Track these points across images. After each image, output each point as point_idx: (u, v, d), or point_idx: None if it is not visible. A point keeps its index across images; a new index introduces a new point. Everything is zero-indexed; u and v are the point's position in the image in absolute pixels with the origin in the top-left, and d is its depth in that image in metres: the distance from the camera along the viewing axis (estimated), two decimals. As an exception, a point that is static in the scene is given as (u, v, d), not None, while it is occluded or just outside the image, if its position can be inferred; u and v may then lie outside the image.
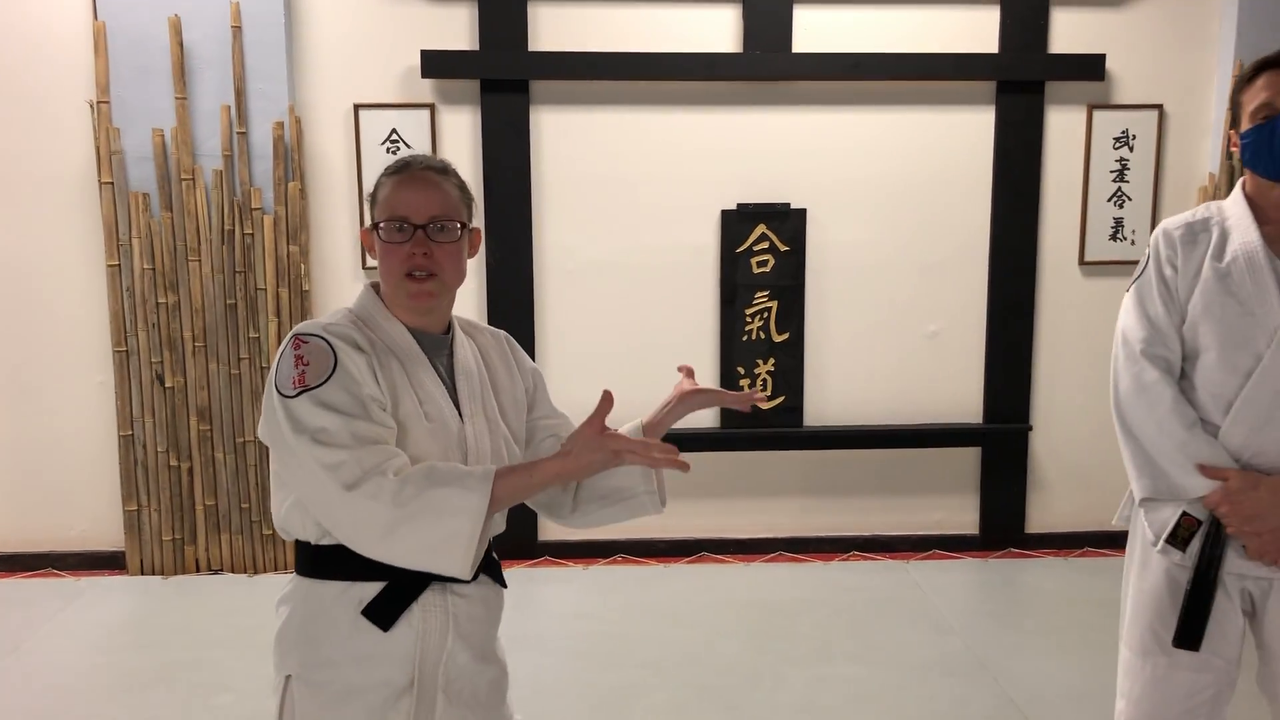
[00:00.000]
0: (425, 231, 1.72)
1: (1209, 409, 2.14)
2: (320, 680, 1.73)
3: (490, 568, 1.85)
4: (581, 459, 1.61)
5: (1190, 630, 2.11)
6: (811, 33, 4.56)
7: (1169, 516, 2.16)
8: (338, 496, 1.59)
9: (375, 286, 1.83)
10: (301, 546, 1.76)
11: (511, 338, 2.00)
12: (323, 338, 1.68)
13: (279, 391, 1.65)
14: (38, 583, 4.54)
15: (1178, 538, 2.14)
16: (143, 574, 4.58)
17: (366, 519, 1.59)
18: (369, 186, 4.46)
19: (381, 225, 1.73)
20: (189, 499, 4.54)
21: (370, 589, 1.70)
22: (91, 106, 4.34)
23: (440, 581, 1.73)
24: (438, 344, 1.82)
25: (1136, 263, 4.68)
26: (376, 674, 1.71)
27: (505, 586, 1.90)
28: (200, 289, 4.42)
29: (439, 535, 1.59)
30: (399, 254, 1.72)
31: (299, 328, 1.72)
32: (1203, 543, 2.11)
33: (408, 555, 1.61)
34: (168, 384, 4.46)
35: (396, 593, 1.70)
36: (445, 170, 1.79)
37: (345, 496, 1.58)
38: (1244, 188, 2.17)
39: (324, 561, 1.72)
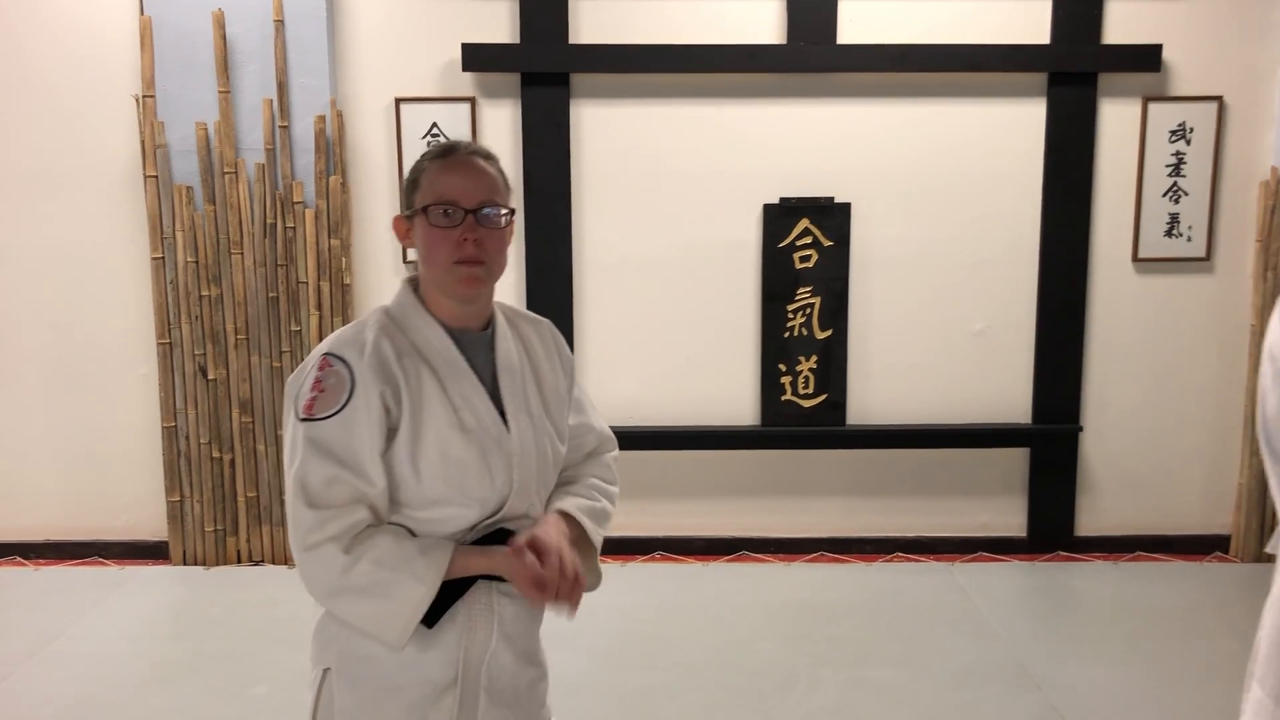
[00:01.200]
0: (475, 217, 1.69)
1: None
2: (360, 675, 1.71)
3: None
4: (501, 567, 1.69)
5: None
6: (857, 24, 4.48)
7: None
8: (296, 546, 1.64)
9: (413, 282, 1.79)
10: None
11: (555, 327, 1.94)
12: (348, 367, 1.65)
13: (295, 404, 1.67)
14: (83, 571, 4.61)
15: None
16: (185, 564, 4.63)
17: (315, 578, 1.64)
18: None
19: (430, 209, 1.68)
20: (231, 490, 4.58)
21: None
22: (137, 100, 4.38)
23: (487, 580, 1.72)
24: (477, 341, 1.77)
25: (1192, 260, 4.59)
26: (418, 671, 1.69)
27: None
28: (243, 282, 4.45)
29: (380, 614, 1.64)
30: (449, 239, 1.67)
31: (332, 345, 1.68)
32: None
33: (347, 617, 1.68)
34: (210, 376, 4.49)
35: (443, 591, 1.68)
36: (490, 156, 1.76)
37: (301, 554, 1.64)
38: None
39: None
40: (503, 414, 1.74)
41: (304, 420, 1.64)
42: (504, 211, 1.72)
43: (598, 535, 1.89)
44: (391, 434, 1.66)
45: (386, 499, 1.66)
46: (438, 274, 1.70)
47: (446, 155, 1.72)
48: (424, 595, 1.62)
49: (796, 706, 3.39)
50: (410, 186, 1.74)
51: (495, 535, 1.73)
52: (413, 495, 1.67)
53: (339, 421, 1.62)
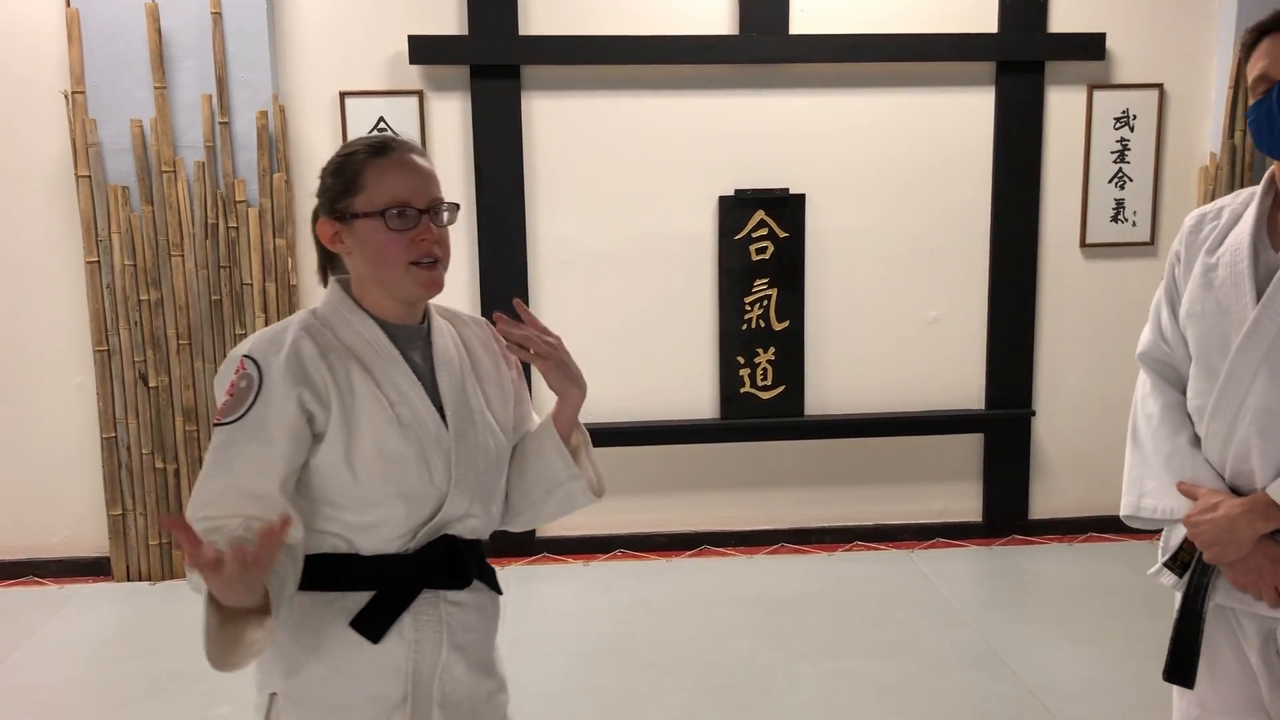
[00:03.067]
0: (428, 216, 1.63)
1: (1195, 421, 1.92)
2: (308, 698, 1.63)
3: (485, 573, 1.76)
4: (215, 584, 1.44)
5: (1179, 664, 1.91)
6: (808, 14, 4.47)
7: (1181, 537, 1.93)
8: None
9: (343, 283, 1.71)
10: None
11: (492, 326, 1.86)
12: (259, 370, 1.58)
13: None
14: (19, 591, 4.39)
15: (1178, 561, 1.92)
16: (129, 580, 4.44)
17: None
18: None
19: (386, 213, 1.60)
20: (176, 502, 4.40)
21: (359, 599, 1.61)
22: (66, 97, 4.17)
23: (433, 589, 1.65)
24: (413, 335, 1.71)
25: (1138, 245, 4.68)
26: (368, 689, 1.62)
27: (500, 593, 1.80)
28: (184, 285, 4.27)
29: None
30: (402, 241, 1.61)
31: (250, 346, 1.61)
32: (1192, 568, 1.89)
33: None
34: (151, 384, 4.31)
35: (386, 602, 1.62)
36: (424, 153, 1.70)
37: None
38: (1273, 173, 1.89)
39: (308, 571, 1.60)
40: (441, 410, 1.68)
41: (216, 425, 1.60)
42: (448, 208, 1.68)
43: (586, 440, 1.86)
44: (318, 438, 1.60)
45: (283, 505, 1.55)
46: (393, 277, 1.64)
47: (385, 153, 1.64)
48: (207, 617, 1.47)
49: (779, 702, 3.37)
50: (343, 187, 1.63)
51: (440, 543, 1.66)
52: (350, 497, 1.60)
53: (241, 427, 1.57)
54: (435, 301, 1.77)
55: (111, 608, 4.22)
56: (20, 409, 4.43)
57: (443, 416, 1.67)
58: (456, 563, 1.67)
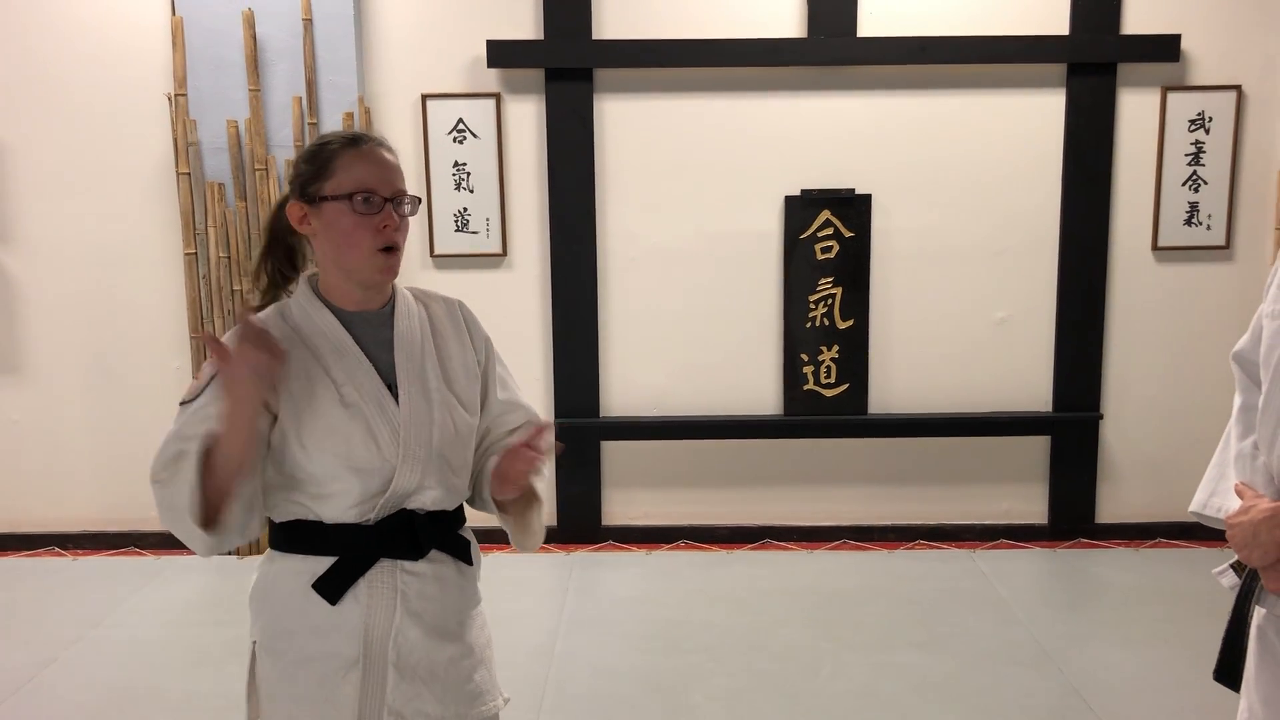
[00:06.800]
0: (391, 205, 1.76)
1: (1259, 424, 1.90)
2: (279, 648, 1.80)
3: (453, 545, 1.88)
4: (227, 391, 1.67)
5: (1224, 665, 1.92)
6: (877, 16, 4.53)
7: None
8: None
9: (311, 279, 1.85)
10: (270, 522, 1.84)
11: (465, 305, 2.00)
12: None
13: None
14: (120, 561, 4.71)
15: (1241, 563, 1.89)
16: (219, 554, 4.71)
17: (173, 526, 1.79)
18: (440, 175, 4.40)
19: (353, 197, 1.73)
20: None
21: (323, 563, 1.77)
22: (169, 99, 4.46)
23: (390, 559, 1.80)
24: (373, 320, 1.83)
25: (1212, 249, 4.62)
26: (327, 645, 1.78)
27: (472, 564, 1.92)
28: (273, 276, 4.52)
29: (179, 508, 1.74)
30: (369, 226, 1.73)
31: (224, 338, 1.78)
32: (1247, 571, 1.87)
33: (178, 533, 1.79)
34: (242, 369, 4.56)
35: (344, 567, 1.77)
36: (391, 148, 1.83)
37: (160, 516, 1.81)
38: None
39: (285, 536, 1.81)
40: (394, 389, 1.81)
41: (181, 405, 1.76)
42: (409, 200, 1.80)
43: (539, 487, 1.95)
44: (274, 419, 1.75)
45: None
46: (357, 261, 1.76)
47: (358, 144, 1.78)
48: (190, 464, 1.70)
49: (822, 689, 3.45)
50: (315, 173, 1.76)
51: (398, 516, 1.80)
52: (305, 472, 1.75)
53: (203, 400, 1.73)
54: (411, 284, 1.92)
55: (201, 578, 4.51)
56: (123, 390, 4.74)
57: (396, 395, 1.80)
58: (411, 536, 1.81)
